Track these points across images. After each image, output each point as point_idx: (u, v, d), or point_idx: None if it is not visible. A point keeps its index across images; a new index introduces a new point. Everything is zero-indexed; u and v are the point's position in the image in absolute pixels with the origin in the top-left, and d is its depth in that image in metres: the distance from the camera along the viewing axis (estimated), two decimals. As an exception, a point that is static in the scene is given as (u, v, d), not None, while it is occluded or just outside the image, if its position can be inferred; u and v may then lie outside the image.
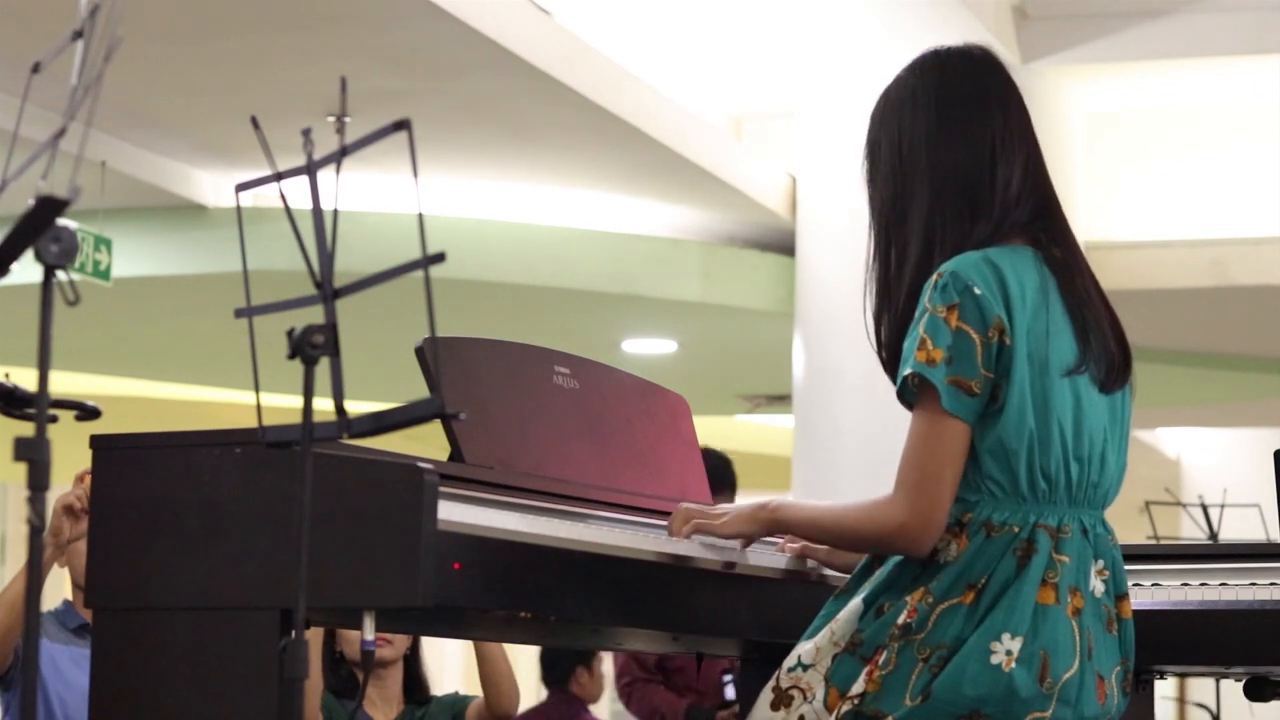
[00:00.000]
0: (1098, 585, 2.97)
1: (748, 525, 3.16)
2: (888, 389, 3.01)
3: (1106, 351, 3.02)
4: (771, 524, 3.15)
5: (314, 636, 4.29)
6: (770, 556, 3.38)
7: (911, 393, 2.92)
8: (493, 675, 4.49)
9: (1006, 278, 2.93)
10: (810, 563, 3.44)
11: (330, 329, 2.42)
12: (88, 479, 3.72)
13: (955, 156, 3.04)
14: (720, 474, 5.91)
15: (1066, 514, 2.95)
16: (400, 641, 4.65)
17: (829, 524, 3.07)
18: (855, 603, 2.99)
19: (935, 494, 2.89)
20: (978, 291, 2.90)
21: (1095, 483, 3.00)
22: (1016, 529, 2.92)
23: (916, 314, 2.93)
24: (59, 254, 2.13)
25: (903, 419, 2.96)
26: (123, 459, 3.03)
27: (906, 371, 2.90)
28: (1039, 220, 3.05)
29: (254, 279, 2.65)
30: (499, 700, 4.51)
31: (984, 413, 2.92)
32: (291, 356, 2.41)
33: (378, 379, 11.76)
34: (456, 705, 4.72)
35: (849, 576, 3.10)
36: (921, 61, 3.13)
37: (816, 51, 9.26)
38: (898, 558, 2.97)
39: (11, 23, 7.23)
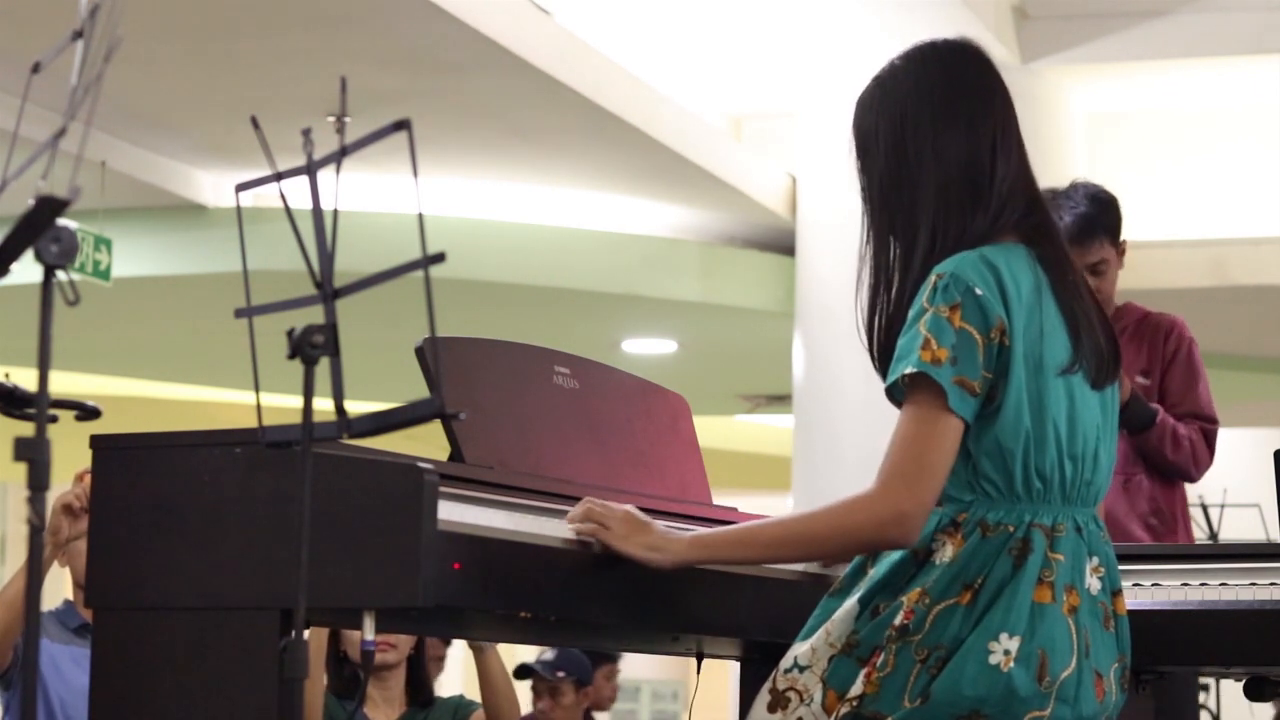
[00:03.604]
0: (1093, 583, 2.97)
1: (647, 554, 3.00)
2: (888, 388, 3.00)
3: (1096, 348, 3.02)
4: (686, 556, 3.01)
5: (317, 637, 4.30)
6: None
7: (903, 389, 2.92)
8: (492, 696, 4.55)
9: (1004, 277, 2.93)
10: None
11: (330, 329, 2.42)
12: (87, 478, 3.72)
13: (960, 147, 3.01)
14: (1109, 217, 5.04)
15: (1060, 512, 2.95)
16: (404, 644, 4.66)
17: (780, 537, 2.98)
18: (851, 603, 2.98)
19: (932, 487, 2.89)
20: (979, 292, 2.89)
21: (1089, 480, 3.00)
22: (1011, 528, 2.92)
23: (913, 313, 2.92)
24: (59, 254, 2.13)
25: (902, 418, 2.96)
26: (123, 459, 3.03)
27: (908, 370, 2.88)
28: (1029, 217, 3.05)
29: (254, 279, 2.65)
30: (498, 716, 4.57)
31: (980, 413, 2.92)
32: (291, 356, 2.41)
33: (378, 379, 11.76)
34: (460, 711, 4.73)
35: (842, 574, 3.09)
36: (919, 52, 3.11)
37: (816, 51, 9.26)
38: (893, 558, 2.96)
39: (11, 23, 7.23)
